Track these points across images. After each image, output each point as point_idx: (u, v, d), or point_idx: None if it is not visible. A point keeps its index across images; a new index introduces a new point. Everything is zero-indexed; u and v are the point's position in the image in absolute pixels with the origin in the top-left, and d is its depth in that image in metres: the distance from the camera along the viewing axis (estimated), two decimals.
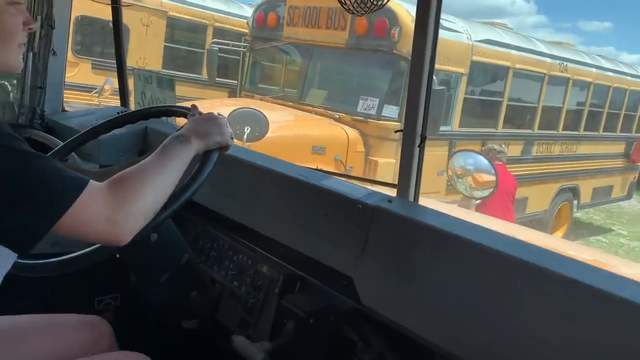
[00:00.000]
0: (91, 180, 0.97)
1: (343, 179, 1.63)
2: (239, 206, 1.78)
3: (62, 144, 1.69)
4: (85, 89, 7.41)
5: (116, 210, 0.97)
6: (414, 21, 1.40)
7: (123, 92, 2.38)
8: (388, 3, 1.31)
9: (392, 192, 1.51)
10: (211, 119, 1.29)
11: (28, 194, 0.89)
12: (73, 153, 1.84)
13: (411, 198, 1.45)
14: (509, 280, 1.16)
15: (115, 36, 2.32)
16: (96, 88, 7.12)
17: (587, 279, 1.05)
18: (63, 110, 2.46)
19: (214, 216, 1.86)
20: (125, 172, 1.03)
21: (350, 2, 1.14)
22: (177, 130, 1.25)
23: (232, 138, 1.30)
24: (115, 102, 6.90)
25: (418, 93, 1.38)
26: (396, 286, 1.33)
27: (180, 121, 1.62)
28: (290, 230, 1.60)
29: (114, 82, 7.13)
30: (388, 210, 1.36)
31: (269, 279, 1.65)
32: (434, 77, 1.41)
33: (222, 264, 1.81)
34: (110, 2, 2.24)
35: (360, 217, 1.40)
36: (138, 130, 2.09)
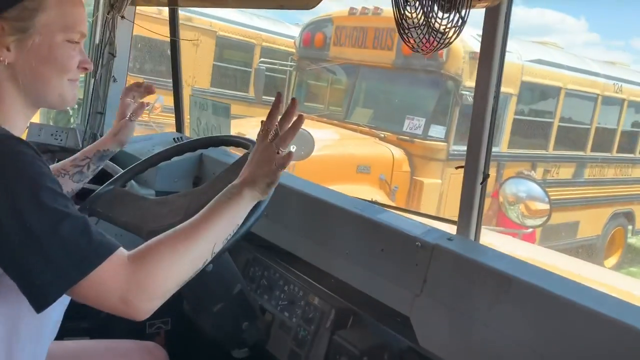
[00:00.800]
0: (118, 250, 0.93)
1: (400, 213, 1.59)
2: (291, 236, 1.77)
3: (122, 171, 1.72)
4: None
5: (132, 291, 0.92)
6: (478, 55, 1.37)
7: (179, 119, 2.43)
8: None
9: (450, 229, 1.48)
10: (266, 160, 1.10)
11: (49, 256, 0.88)
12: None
13: (472, 237, 1.41)
14: (576, 329, 1.10)
15: (173, 69, 2.39)
16: (147, 105, 7.29)
17: None
18: None
19: (266, 244, 1.86)
20: (153, 243, 0.97)
21: (415, 42, 1.12)
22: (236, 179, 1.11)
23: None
24: (165, 119, 7.07)
25: (481, 129, 1.34)
26: (456, 329, 1.29)
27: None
28: (343, 264, 1.58)
29: (164, 100, 7.34)
30: (448, 249, 1.33)
31: (321, 311, 1.63)
32: None
33: (273, 294, 1.80)
34: (169, 37, 2.31)
35: (419, 254, 1.36)
36: (194, 157, 2.11)
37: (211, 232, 1.02)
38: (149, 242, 0.98)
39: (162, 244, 0.97)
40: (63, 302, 1.06)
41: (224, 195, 1.07)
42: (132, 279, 0.92)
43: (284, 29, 9.93)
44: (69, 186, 1.42)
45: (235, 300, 1.65)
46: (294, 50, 7.91)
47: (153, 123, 7.22)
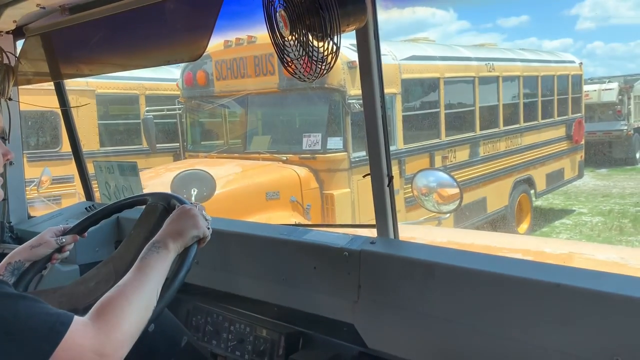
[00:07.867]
0: (75, 316, 0.99)
1: (323, 229, 1.68)
2: (226, 276, 1.80)
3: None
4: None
5: (103, 342, 0.99)
6: (356, 64, 1.48)
7: (87, 187, 2.38)
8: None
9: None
10: (184, 213, 1.28)
11: (15, 338, 0.92)
12: None
13: (392, 235, 1.51)
14: (499, 296, 1.23)
15: (70, 139, 2.34)
16: (34, 181, 6.91)
17: (570, 281, 1.14)
18: (29, 217, 2.43)
19: (202, 291, 1.87)
20: (106, 299, 1.05)
21: (300, 72, 1.21)
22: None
23: (208, 228, 1.29)
24: (57, 191, 6.67)
25: (376, 137, 1.46)
26: (397, 324, 1.38)
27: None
28: (282, 290, 1.64)
29: (51, 171, 6.95)
30: (373, 251, 1.42)
31: (271, 341, 1.67)
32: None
33: (220, 337, 1.82)
34: (60, 108, 2.27)
35: (349, 263, 1.45)
36: (110, 222, 2.07)
37: (151, 281, 1.13)
38: (102, 300, 1.05)
39: (115, 298, 1.06)
40: None
41: (151, 250, 1.18)
42: (100, 333, 0.99)
43: (165, 73, 9.80)
44: None
45: (184, 353, 1.65)
46: (179, 93, 7.85)
47: (44, 199, 6.82)
